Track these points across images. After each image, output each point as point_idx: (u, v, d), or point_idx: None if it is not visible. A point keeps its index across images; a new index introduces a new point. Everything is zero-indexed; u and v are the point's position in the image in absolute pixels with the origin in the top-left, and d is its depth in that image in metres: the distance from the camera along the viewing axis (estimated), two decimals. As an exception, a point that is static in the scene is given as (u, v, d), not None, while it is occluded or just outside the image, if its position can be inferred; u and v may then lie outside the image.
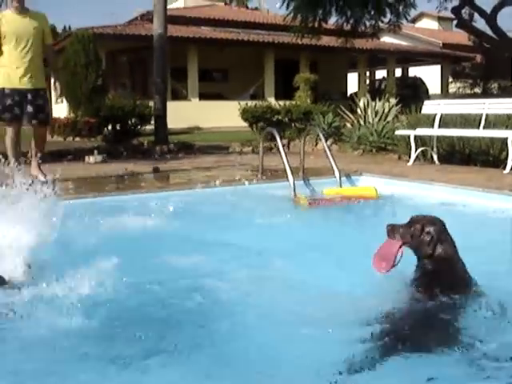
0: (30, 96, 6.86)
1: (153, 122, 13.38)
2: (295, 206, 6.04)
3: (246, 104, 14.76)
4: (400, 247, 3.02)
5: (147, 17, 21.99)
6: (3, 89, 6.82)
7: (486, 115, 8.53)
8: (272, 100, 18.08)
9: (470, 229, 4.75)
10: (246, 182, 6.87)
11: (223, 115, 19.84)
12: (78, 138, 15.39)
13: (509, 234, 4.42)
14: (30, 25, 6.86)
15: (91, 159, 9.93)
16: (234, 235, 4.60)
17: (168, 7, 15.38)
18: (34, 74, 6.87)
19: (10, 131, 6.91)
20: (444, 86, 29.15)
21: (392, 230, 3.05)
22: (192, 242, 4.35)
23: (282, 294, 3.38)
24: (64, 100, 18.80)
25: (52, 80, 8.06)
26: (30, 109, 6.87)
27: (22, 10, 6.90)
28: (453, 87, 29.08)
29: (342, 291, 3.31)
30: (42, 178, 7.25)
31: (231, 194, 6.27)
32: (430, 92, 28.16)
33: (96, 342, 2.78)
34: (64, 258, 3.63)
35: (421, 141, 9.37)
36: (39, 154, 7.14)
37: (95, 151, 10.22)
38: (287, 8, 16.35)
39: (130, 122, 13.86)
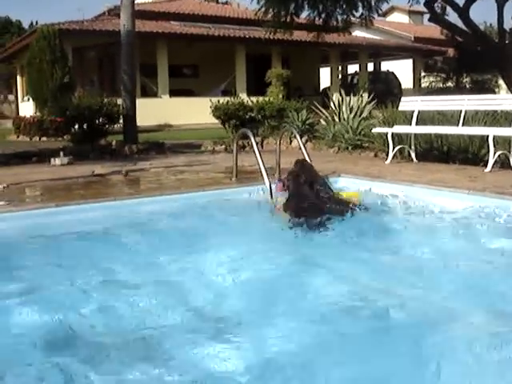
0: None
1: (121, 120, 12.92)
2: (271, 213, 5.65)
3: (218, 101, 14.34)
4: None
5: (115, 12, 21.39)
6: None
7: (465, 111, 8.31)
8: (244, 96, 17.65)
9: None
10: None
11: (194, 112, 19.43)
12: (44, 138, 14.91)
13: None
14: None
15: (57, 161, 9.48)
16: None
17: (136, 2, 14.97)
18: None
19: None
20: (416, 80, 29.03)
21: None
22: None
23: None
24: (30, 98, 18.32)
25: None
26: None
27: None
28: (425, 81, 28.93)
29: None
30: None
31: (204, 200, 5.94)
32: (403, 86, 28.04)
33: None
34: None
35: (398, 138, 9.13)
36: None
37: (61, 153, 9.76)
38: (258, 2, 16.01)
39: (97, 121, 13.39)
